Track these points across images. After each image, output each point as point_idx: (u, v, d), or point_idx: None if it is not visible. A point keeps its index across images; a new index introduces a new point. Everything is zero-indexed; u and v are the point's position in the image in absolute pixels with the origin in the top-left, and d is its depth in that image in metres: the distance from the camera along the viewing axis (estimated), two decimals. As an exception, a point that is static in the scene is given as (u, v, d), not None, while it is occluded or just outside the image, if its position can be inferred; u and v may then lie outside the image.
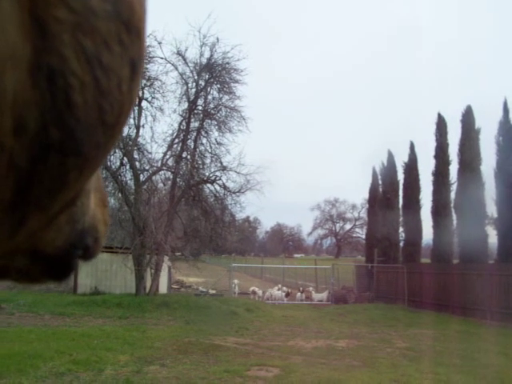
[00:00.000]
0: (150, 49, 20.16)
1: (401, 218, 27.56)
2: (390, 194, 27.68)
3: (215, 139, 21.27)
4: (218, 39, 20.24)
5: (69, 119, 0.32)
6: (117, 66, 0.34)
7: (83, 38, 0.32)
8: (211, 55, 20.57)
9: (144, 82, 20.74)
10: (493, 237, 21.48)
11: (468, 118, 23.11)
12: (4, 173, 0.31)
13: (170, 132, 21.22)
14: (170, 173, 21.40)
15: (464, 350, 12.45)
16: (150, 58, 20.36)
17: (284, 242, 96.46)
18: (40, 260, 0.44)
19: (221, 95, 21.32)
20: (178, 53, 20.58)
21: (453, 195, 23.51)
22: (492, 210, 21.31)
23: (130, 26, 0.35)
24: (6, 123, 0.30)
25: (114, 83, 0.34)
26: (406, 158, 27.20)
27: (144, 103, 20.90)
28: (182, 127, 21.07)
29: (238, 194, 21.36)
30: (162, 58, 20.35)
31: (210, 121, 21.35)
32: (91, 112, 0.33)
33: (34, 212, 0.35)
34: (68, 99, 0.32)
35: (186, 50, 20.80)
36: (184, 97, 21.09)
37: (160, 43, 20.05)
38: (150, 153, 21.18)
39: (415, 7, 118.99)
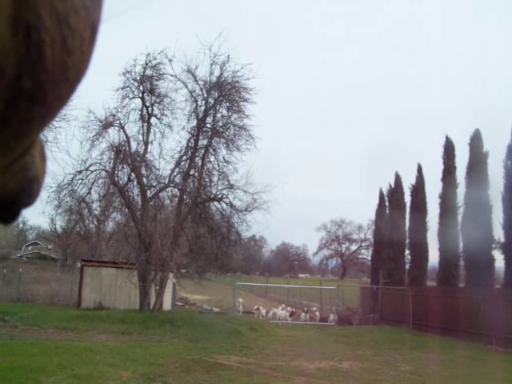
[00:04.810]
0: (161, 66, 20.42)
1: (407, 240, 27.47)
2: (396, 215, 27.63)
3: (223, 157, 21.39)
4: (228, 57, 20.44)
5: (39, 70, 0.36)
6: (81, 27, 0.39)
7: (56, 0, 0.36)
8: (221, 73, 20.76)
9: (154, 98, 20.97)
10: (500, 261, 21.37)
11: (476, 141, 23.10)
12: None
13: (178, 149, 21.38)
14: (177, 190, 21.49)
15: (469, 375, 12.31)
16: (160, 74, 20.61)
17: (289, 261, 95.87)
18: None
19: (230, 113, 21.48)
20: (189, 70, 20.78)
21: (460, 218, 23.42)
22: (499, 234, 21.23)
23: None
24: None
25: (78, 43, 0.39)
26: (413, 180, 27.24)
27: (153, 120, 21.12)
28: (190, 144, 21.20)
29: (244, 212, 21.38)
30: (172, 76, 20.59)
31: (218, 139, 21.46)
32: (58, 67, 0.37)
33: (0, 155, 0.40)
34: (40, 52, 0.36)
35: (197, 67, 20.99)
36: (193, 114, 21.27)
37: (170, 61, 20.30)
38: (158, 169, 21.34)
39: (424, 27, 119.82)
